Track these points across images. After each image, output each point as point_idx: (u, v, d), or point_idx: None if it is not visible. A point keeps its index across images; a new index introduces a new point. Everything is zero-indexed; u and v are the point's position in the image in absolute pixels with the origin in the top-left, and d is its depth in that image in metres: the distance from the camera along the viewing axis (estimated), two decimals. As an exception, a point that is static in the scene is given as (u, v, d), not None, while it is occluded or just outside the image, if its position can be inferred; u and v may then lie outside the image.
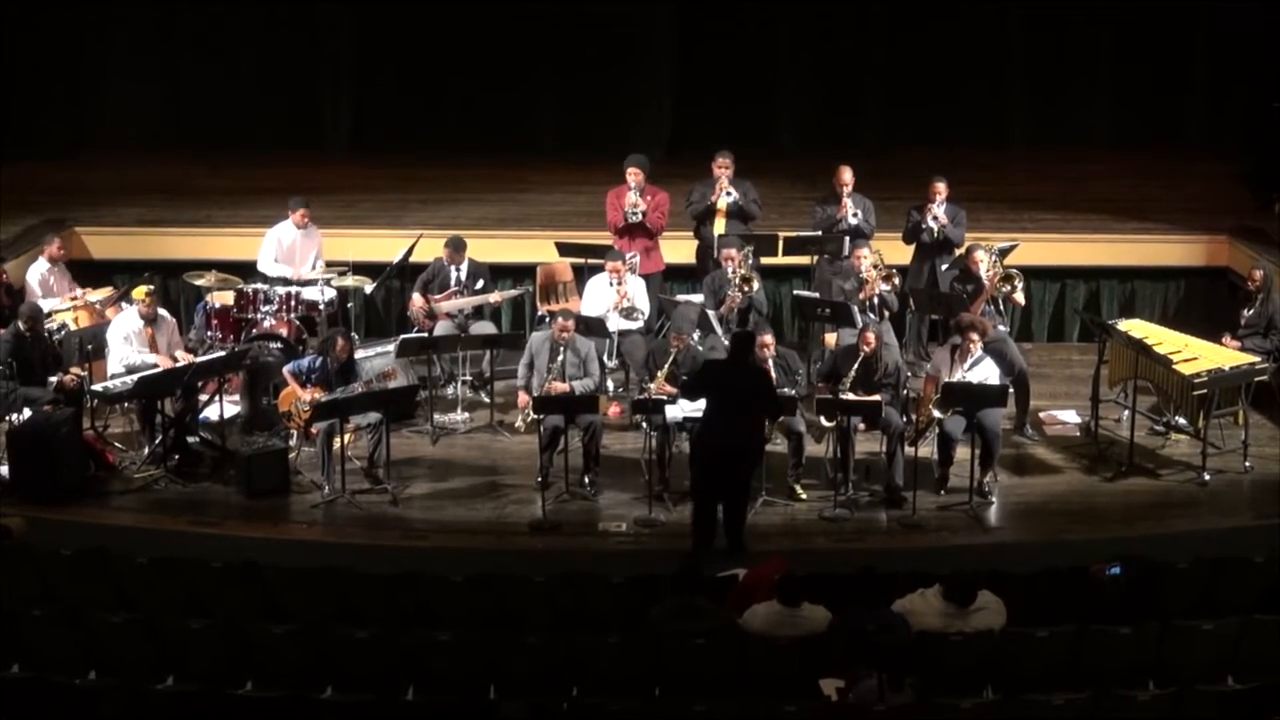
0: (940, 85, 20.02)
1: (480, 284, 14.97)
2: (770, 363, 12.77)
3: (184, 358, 13.74)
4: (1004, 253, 14.75)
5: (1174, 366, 13.22)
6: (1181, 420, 13.67)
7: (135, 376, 13.27)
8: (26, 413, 13.20)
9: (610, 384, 14.63)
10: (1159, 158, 19.33)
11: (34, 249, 15.51)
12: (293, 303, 14.73)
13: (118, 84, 20.35)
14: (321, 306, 15.05)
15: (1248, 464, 13.33)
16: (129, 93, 20.35)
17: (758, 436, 12.18)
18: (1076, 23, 20.03)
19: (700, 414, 12.18)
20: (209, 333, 14.84)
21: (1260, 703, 8.86)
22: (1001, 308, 14.15)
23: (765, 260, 15.28)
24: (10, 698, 8.99)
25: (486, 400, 14.64)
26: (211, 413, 13.92)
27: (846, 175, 15.19)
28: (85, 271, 15.91)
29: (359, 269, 15.32)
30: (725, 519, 12.01)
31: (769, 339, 12.89)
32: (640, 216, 15.07)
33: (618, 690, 9.23)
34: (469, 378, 14.86)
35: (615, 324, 14.48)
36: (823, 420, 12.81)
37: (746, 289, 14.23)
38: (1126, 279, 16.56)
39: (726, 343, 13.72)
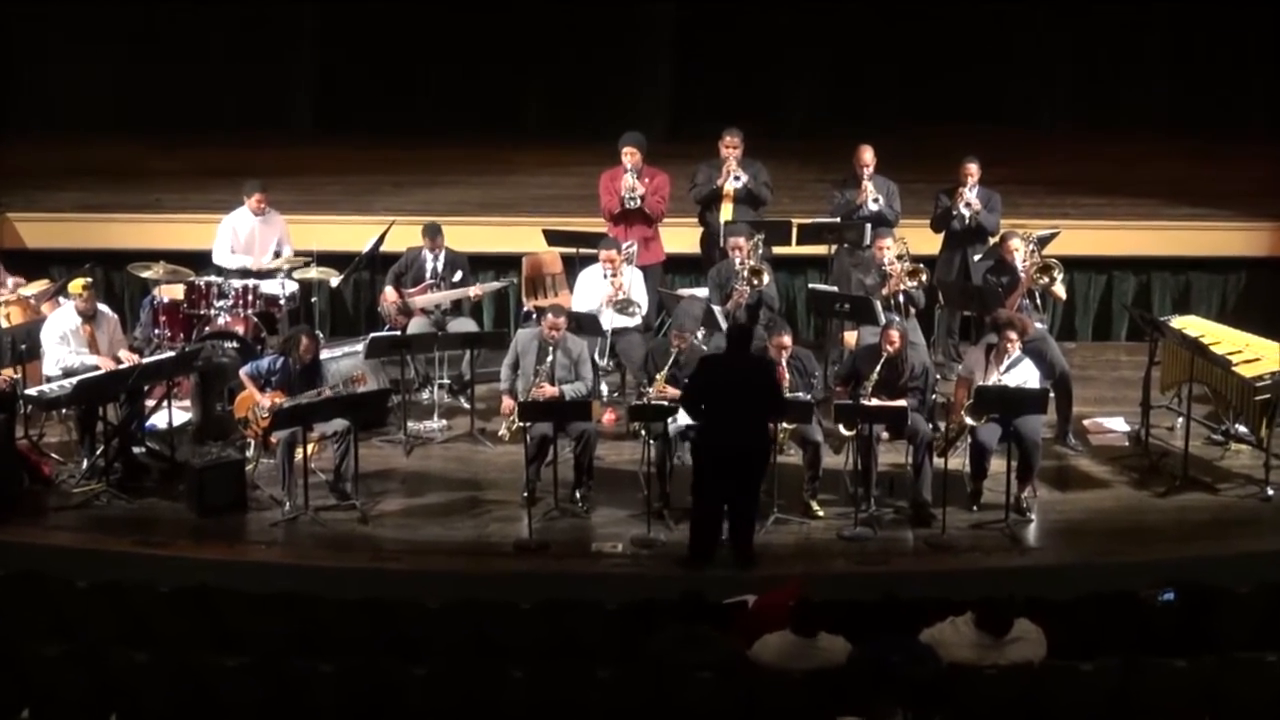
0: (971, 55, 19.97)
1: (459, 276, 14.95)
2: (784, 364, 12.76)
3: (128, 359, 13.71)
4: (1043, 241, 14.73)
5: (1234, 368, 13.21)
6: (1242, 428, 13.66)
7: (74, 380, 13.24)
8: (-48, 420, 13.19)
9: (604, 388, 14.61)
10: (1217, 135, 19.26)
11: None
12: (250, 297, 14.71)
13: (57, 56, 20.23)
14: (282, 301, 15.02)
15: (1316, 477, 13.34)
16: (69, 65, 20.22)
17: (766, 434, 12.17)
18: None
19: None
20: (156, 330, 14.82)
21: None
22: (1041, 303, 14.12)
23: (777, 250, 15.28)
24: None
25: (466, 406, 14.61)
26: (159, 420, 13.90)
27: (867, 155, 15.16)
28: (19, 262, 15.86)
29: (324, 260, 15.27)
30: (733, 529, 12.03)
31: (786, 339, 12.88)
32: (638, 202, 15.06)
33: (613, 730, 9.22)
34: (447, 381, 14.84)
35: (610, 321, 14.46)
36: (842, 429, 12.78)
37: (756, 282, 14.20)
38: (1181, 270, 16.54)
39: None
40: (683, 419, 12.55)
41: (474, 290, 15.06)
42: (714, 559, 12.02)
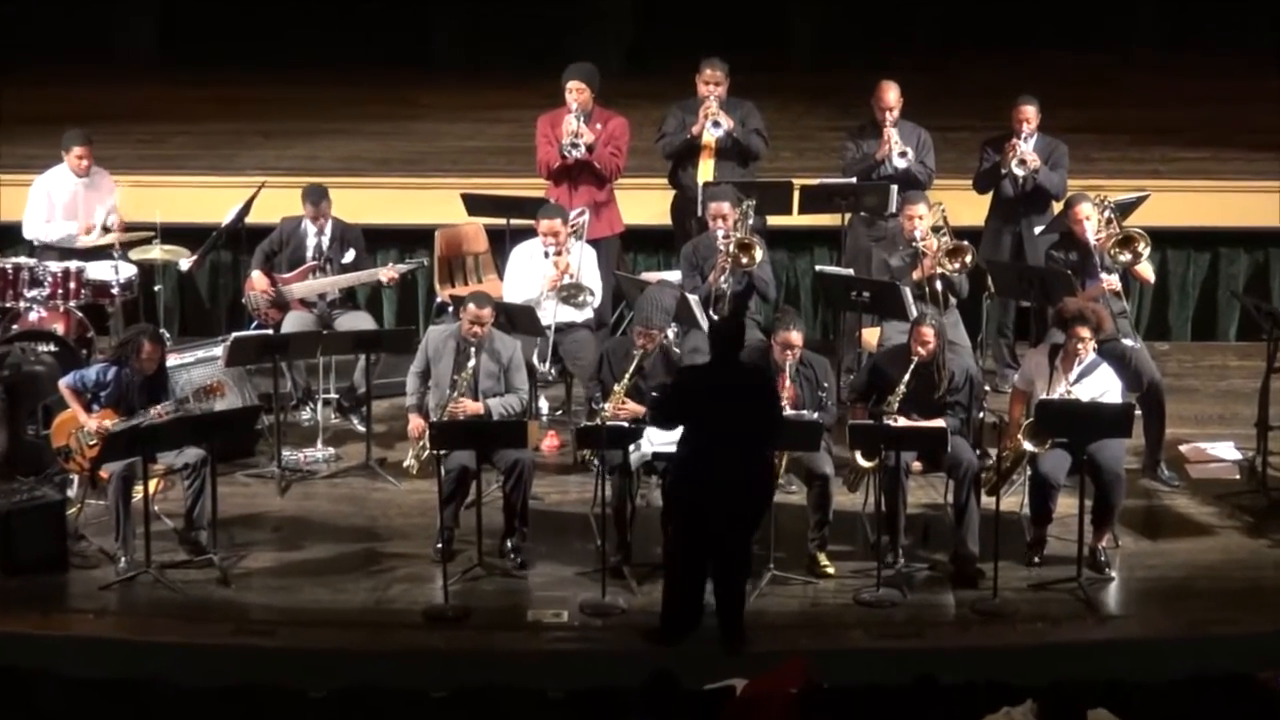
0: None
1: (350, 256, 14.96)
2: (787, 371, 12.75)
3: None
4: (1125, 208, 14.77)
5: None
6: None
7: None
8: None
9: (544, 403, 14.62)
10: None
11: None
12: (73, 285, 14.71)
13: None
14: (115, 290, 15.03)
15: None
16: None
17: (764, 469, 12.17)
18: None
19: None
20: (-52, 330, 14.83)
21: None
22: (1122, 289, 14.17)
23: (773, 220, 15.33)
24: None
25: (360, 429, 14.63)
26: (-49, 449, 13.90)
27: (891, 95, 15.22)
28: None
29: (170, 235, 15.29)
30: (720, 597, 12.03)
31: (795, 337, 12.86)
32: (583, 151, 15.06)
33: None
34: (334, 396, 14.85)
35: (552, 313, 14.47)
36: (859, 458, 12.81)
37: (745, 262, 14.23)
38: (1307, 247, 16.68)
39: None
40: (650, 444, 12.54)
41: (373, 274, 15.06)
42: (690, 633, 12.02)
